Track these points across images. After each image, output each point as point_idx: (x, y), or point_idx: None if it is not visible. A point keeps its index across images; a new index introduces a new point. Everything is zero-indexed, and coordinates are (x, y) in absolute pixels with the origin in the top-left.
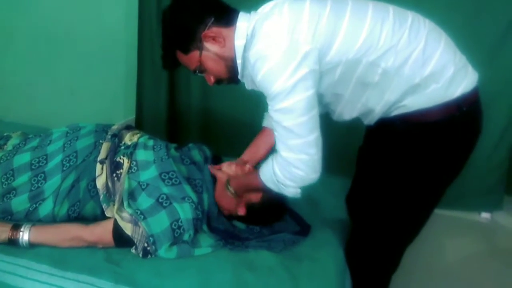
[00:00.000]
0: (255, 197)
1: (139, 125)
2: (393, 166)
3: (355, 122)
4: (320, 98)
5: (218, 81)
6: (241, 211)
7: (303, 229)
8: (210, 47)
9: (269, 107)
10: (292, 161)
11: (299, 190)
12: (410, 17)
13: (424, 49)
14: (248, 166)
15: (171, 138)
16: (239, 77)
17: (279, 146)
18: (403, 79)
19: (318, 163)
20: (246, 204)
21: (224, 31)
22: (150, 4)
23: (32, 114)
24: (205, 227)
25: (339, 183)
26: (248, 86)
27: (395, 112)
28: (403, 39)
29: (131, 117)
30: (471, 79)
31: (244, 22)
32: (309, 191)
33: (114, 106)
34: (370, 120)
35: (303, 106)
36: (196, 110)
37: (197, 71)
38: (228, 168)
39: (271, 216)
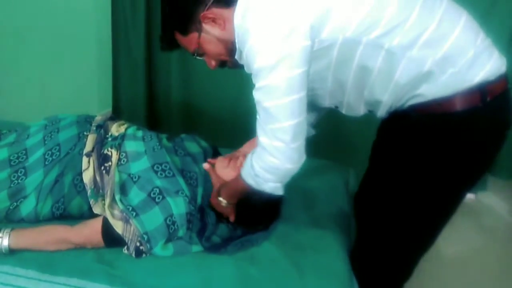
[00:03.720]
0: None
1: (117, 117)
2: (408, 162)
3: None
4: (323, 85)
5: (221, 64)
6: (231, 218)
7: None
8: (210, 30)
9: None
10: (266, 147)
11: (279, 185)
12: None
13: (437, 29)
14: (240, 160)
15: (152, 130)
16: (237, 57)
17: (258, 131)
18: (412, 62)
19: (295, 152)
20: (236, 206)
21: (225, 12)
22: None
23: (3, 109)
24: (194, 236)
25: (335, 170)
26: (247, 68)
27: (410, 102)
28: (412, 17)
29: (107, 110)
30: (496, 65)
31: (244, 0)
32: (305, 179)
33: (87, 98)
34: (381, 112)
35: (286, 86)
36: (176, 102)
37: (195, 54)
38: (221, 165)
39: (264, 218)
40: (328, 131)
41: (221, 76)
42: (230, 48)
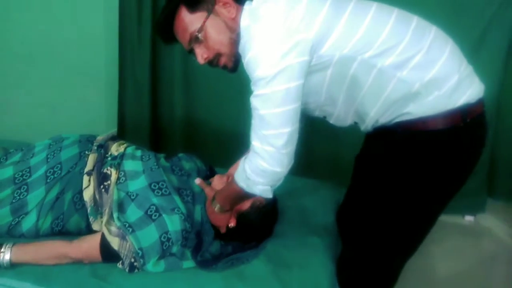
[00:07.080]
0: (244, 206)
1: (122, 138)
2: (391, 177)
3: (354, 128)
4: (316, 98)
5: (213, 58)
6: (232, 223)
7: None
8: (221, 12)
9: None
10: (258, 151)
11: (268, 188)
12: (415, 21)
13: (427, 54)
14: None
15: (155, 150)
16: (243, 59)
17: (251, 135)
18: (402, 83)
19: (285, 157)
20: (237, 216)
21: (235, 4)
22: (130, 15)
23: (13, 129)
24: (188, 252)
25: (328, 190)
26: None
27: (398, 120)
28: (404, 41)
29: (113, 130)
30: (476, 90)
31: (248, 6)
32: (297, 198)
33: (95, 119)
34: (366, 125)
35: (283, 97)
36: (179, 121)
37: (193, 40)
38: (219, 182)
39: (264, 226)
40: (327, 152)
41: (223, 97)
42: (234, 39)
